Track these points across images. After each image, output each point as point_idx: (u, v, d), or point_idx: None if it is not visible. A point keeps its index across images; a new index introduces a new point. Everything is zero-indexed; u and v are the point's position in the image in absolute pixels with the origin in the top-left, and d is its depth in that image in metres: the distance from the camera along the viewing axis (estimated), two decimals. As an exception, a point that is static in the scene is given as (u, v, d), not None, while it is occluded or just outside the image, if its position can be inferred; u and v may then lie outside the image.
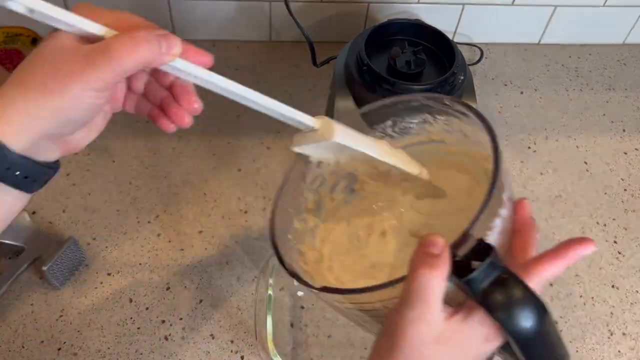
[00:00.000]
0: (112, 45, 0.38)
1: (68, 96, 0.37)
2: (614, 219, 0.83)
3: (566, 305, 0.75)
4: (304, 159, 0.51)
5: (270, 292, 0.69)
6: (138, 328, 0.69)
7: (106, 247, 0.75)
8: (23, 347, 0.67)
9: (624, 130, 0.93)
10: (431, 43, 0.75)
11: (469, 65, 0.76)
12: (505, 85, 0.98)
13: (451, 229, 0.39)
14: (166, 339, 0.69)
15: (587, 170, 0.88)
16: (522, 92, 0.97)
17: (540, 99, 0.96)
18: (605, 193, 0.86)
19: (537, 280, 0.39)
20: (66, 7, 0.38)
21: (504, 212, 0.41)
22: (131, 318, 0.70)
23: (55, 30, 0.39)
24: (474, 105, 0.73)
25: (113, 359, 0.67)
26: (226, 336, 0.70)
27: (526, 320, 0.37)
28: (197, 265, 0.74)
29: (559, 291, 0.76)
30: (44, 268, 0.68)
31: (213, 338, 0.69)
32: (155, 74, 0.45)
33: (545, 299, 0.38)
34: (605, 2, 0.97)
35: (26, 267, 0.71)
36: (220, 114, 0.89)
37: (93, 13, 0.39)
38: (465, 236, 0.38)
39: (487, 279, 0.37)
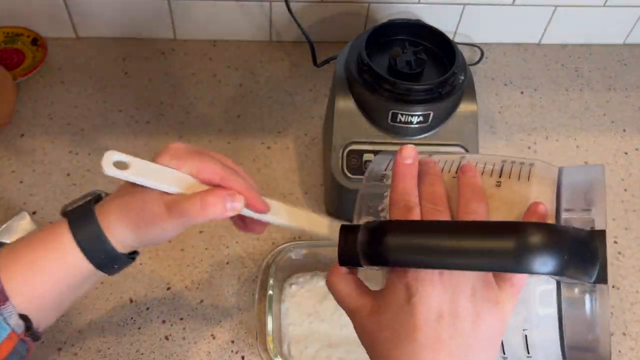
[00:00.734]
0: (186, 205, 0.47)
1: (151, 235, 0.49)
2: (613, 219, 0.83)
3: (566, 305, 0.75)
4: None
5: (270, 292, 0.69)
6: (139, 328, 0.69)
7: (106, 247, 0.75)
8: (23, 347, 0.67)
9: (624, 130, 0.93)
10: (431, 43, 0.75)
11: (469, 65, 0.76)
12: (505, 85, 0.98)
13: None
14: (167, 339, 0.69)
15: (587, 170, 0.88)
16: (522, 92, 0.97)
17: (540, 99, 0.96)
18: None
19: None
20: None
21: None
22: (132, 318, 0.70)
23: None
24: (473, 105, 0.73)
25: (113, 359, 0.67)
26: (226, 336, 0.70)
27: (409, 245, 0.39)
28: (198, 265, 0.74)
29: (559, 291, 0.76)
30: (45, 268, 0.68)
31: (213, 338, 0.69)
32: None
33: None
34: (606, 2, 0.97)
35: (26, 267, 0.71)
36: (220, 113, 0.89)
37: (178, 160, 0.49)
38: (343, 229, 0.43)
39: (365, 243, 0.40)
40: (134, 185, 0.49)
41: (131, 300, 0.71)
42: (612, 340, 0.72)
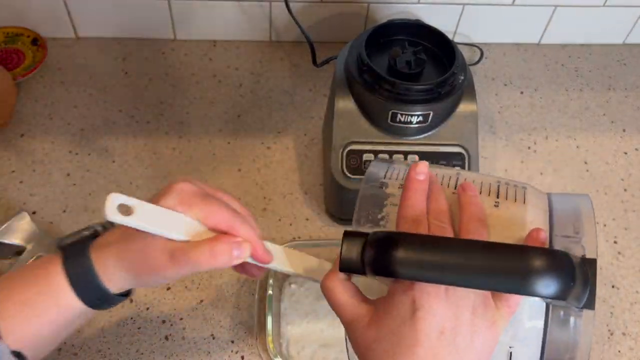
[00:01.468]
0: (192, 253, 0.46)
1: (151, 281, 0.49)
2: (613, 219, 0.83)
3: (566, 305, 0.75)
4: None
5: (270, 292, 0.69)
6: (139, 328, 0.69)
7: (106, 247, 0.75)
8: (23, 347, 0.67)
9: (624, 130, 0.93)
10: (431, 43, 0.75)
11: (469, 65, 0.76)
12: (505, 85, 0.98)
13: None
14: (167, 339, 0.69)
15: (587, 170, 0.88)
16: (522, 92, 0.97)
17: (540, 99, 0.96)
18: (606, 193, 0.86)
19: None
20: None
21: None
22: (132, 318, 0.70)
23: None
24: (473, 105, 0.73)
25: (113, 359, 0.67)
26: (226, 336, 0.70)
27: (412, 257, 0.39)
28: (197, 265, 0.74)
29: (559, 291, 0.76)
30: (45, 268, 0.68)
31: (213, 338, 0.69)
32: None
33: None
34: (606, 2, 0.97)
35: (26, 267, 0.71)
36: (220, 113, 0.89)
37: (185, 205, 0.47)
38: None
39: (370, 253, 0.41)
40: (135, 233, 0.47)
41: (131, 300, 0.71)
42: (612, 340, 0.72)
